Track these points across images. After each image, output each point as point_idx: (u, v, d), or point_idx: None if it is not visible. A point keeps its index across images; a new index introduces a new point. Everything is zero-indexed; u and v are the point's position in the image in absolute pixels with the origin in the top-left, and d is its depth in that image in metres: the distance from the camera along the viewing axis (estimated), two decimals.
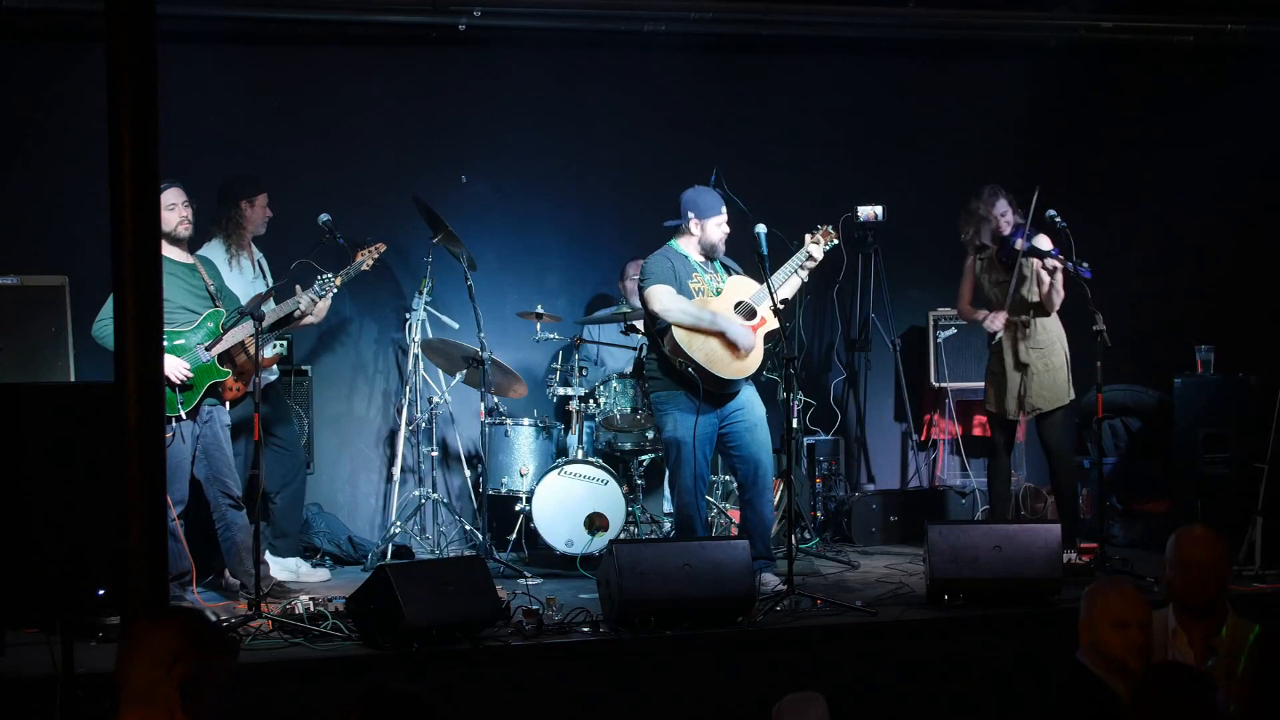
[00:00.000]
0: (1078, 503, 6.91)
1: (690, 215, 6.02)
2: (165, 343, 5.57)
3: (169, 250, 5.76)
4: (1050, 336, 6.49)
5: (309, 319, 6.15)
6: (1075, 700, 2.85)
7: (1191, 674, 3.00)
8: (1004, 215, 6.51)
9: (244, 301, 5.98)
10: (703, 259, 6.05)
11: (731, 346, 5.85)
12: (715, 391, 5.89)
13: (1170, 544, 3.90)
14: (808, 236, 6.08)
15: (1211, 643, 3.79)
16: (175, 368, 5.64)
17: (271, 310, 5.94)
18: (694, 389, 5.83)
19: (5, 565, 3.60)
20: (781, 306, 5.80)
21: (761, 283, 5.89)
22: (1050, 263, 6.29)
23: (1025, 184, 6.58)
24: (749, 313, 5.96)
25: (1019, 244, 6.39)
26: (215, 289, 5.89)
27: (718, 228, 6.01)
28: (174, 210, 5.74)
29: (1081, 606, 3.60)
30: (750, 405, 5.97)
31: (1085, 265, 6.20)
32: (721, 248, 6.05)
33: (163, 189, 5.47)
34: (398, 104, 7.54)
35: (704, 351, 5.83)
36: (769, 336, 6.03)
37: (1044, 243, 6.39)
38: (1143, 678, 2.92)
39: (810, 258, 6.06)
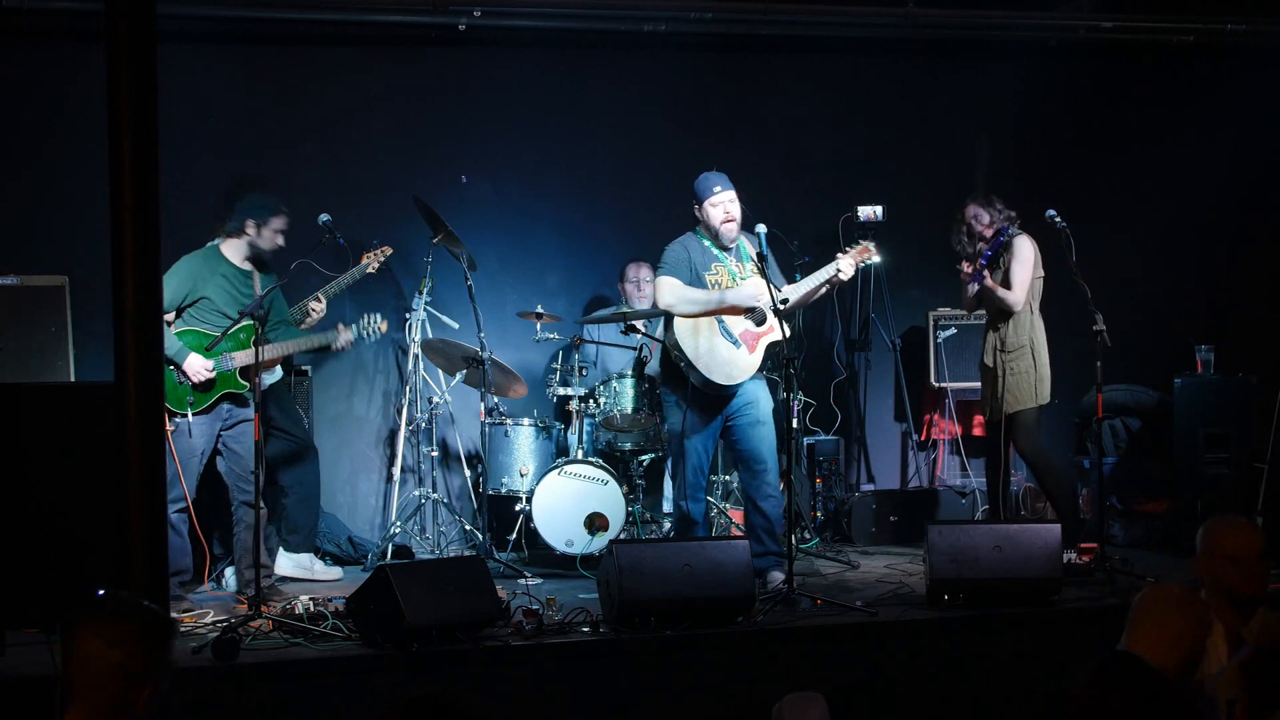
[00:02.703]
0: (1076, 502, 6.90)
1: (694, 201, 5.96)
2: (193, 341, 5.64)
3: (231, 253, 5.88)
4: (1021, 340, 6.44)
5: (338, 345, 6.17)
6: (1120, 689, 2.78)
7: (1143, 667, 2.94)
8: (976, 217, 6.54)
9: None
10: (720, 246, 5.94)
11: (729, 341, 5.81)
12: (707, 393, 5.85)
13: (1208, 539, 3.80)
14: (840, 255, 5.91)
15: (1241, 633, 3.76)
16: (199, 366, 5.65)
17: (304, 339, 6.08)
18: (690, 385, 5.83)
19: (5, 565, 3.60)
20: (782, 306, 5.76)
21: (786, 281, 5.82)
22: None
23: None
24: (760, 319, 5.88)
25: (986, 252, 6.49)
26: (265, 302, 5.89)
27: (713, 208, 5.88)
28: (279, 235, 5.96)
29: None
30: (757, 401, 5.91)
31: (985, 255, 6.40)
32: (728, 233, 5.88)
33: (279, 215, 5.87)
34: (398, 104, 7.54)
35: (698, 350, 5.81)
36: (771, 346, 5.94)
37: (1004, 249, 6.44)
38: (1089, 673, 2.87)
39: (839, 273, 5.91)
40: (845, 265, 5.92)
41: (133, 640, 2.77)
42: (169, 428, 5.66)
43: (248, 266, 5.91)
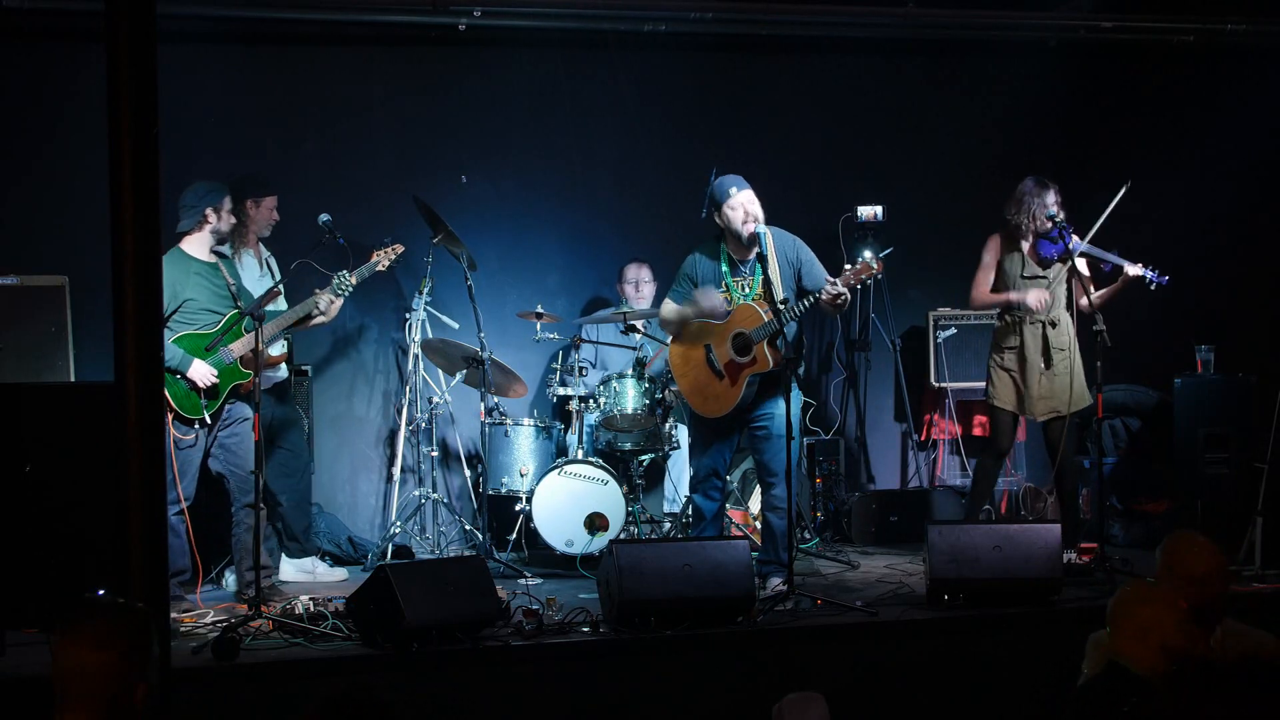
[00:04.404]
0: (1077, 501, 6.88)
1: (713, 209, 5.83)
2: (190, 344, 5.63)
3: (194, 249, 5.80)
4: (1072, 338, 6.41)
5: (319, 319, 6.12)
6: (1110, 694, 2.81)
7: (1224, 671, 2.97)
8: (1054, 204, 6.33)
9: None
10: (740, 257, 5.82)
11: (712, 372, 5.81)
12: (697, 415, 5.96)
13: (1167, 555, 3.83)
14: (847, 268, 5.54)
15: (1211, 643, 3.78)
16: (204, 374, 5.63)
17: (290, 311, 5.95)
18: None
19: (5, 565, 3.61)
20: (781, 306, 5.68)
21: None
22: (1132, 270, 6.23)
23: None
24: (744, 346, 5.74)
25: (1073, 243, 6.27)
26: (235, 288, 5.88)
27: (732, 212, 5.74)
28: (233, 214, 5.94)
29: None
30: (772, 416, 5.79)
31: (1156, 271, 6.15)
32: (750, 234, 5.69)
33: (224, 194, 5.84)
34: (398, 104, 7.54)
35: (687, 380, 5.92)
36: (754, 375, 5.75)
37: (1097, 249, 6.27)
38: (1176, 674, 2.90)
39: (838, 294, 5.50)
40: (842, 289, 5.52)
41: (120, 639, 2.75)
42: (186, 437, 5.65)
43: (212, 259, 5.87)
